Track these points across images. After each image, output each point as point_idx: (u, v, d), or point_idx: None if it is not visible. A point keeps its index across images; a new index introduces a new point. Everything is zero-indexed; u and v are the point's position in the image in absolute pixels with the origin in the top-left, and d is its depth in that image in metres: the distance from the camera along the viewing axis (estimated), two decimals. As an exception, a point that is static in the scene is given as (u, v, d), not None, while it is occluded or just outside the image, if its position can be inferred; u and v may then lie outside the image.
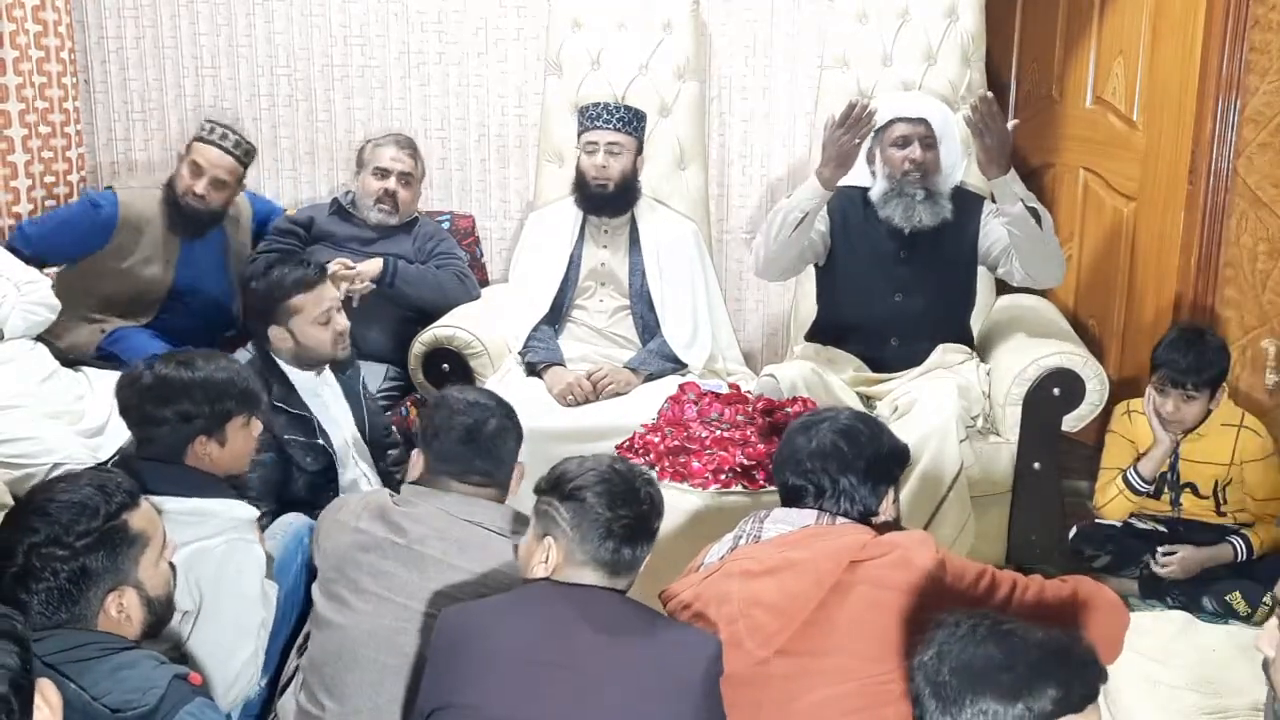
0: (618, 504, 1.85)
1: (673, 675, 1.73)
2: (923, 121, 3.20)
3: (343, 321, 2.84)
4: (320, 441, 2.74)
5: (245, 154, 3.60)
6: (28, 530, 1.75)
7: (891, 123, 3.20)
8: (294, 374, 2.78)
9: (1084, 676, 1.47)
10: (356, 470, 2.82)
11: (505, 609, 1.83)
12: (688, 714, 1.72)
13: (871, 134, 3.16)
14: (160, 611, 1.86)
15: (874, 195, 3.24)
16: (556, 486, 1.89)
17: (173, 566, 1.92)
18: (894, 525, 2.09)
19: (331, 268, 3.23)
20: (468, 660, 1.77)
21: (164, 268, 3.60)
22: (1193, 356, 2.94)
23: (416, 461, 2.26)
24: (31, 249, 3.43)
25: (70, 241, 3.53)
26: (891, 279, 3.24)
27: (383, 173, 3.66)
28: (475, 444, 2.19)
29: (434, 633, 1.86)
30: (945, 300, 3.30)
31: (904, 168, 3.17)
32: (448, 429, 2.19)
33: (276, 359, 2.78)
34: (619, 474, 1.90)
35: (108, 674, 1.68)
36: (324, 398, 2.84)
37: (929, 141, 3.20)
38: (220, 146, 3.53)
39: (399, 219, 3.69)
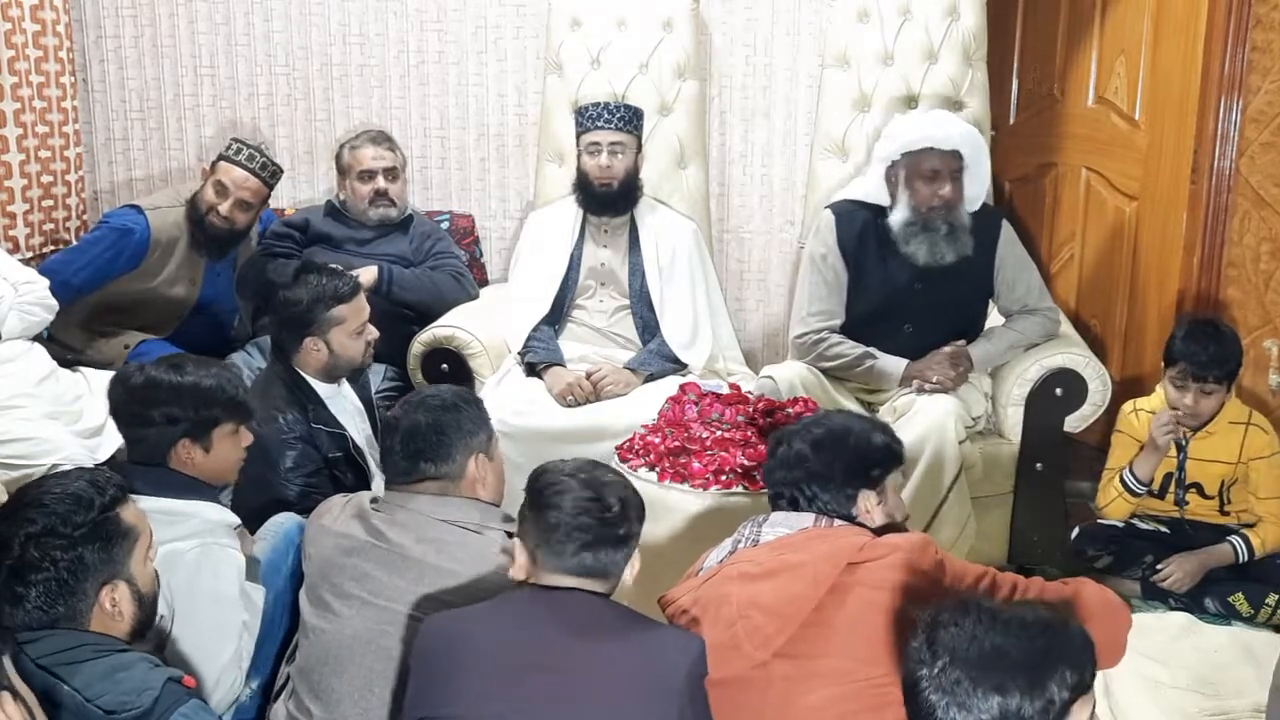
0: (580, 511, 1.83)
1: (655, 676, 1.72)
2: (956, 154, 3.07)
3: (374, 331, 2.85)
4: (354, 456, 2.72)
5: (271, 175, 3.57)
6: (24, 522, 1.75)
7: (924, 150, 3.07)
8: (320, 388, 2.77)
9: (1089, 655, 1.46)
10: (379, 478, 2.79)
11: (485, 616, 1.83)
12: (671, 715, 1.71)
13: (899, 153, 3.09)
14: (148, 609, 1.87)
15: (894, 224, 3.12)
16: (528, 491, 1.90)
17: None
18: (897, 526, 2.08)
19: None
20: (450, 670, 1.77)
21: (189, 288, 3.58)
22: (1214, 349, 2.89)
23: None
24: (77, 294, 3.38)
25: (106, 275, 3.46)
26: (903, 311, 3.16)
27: (368, 174, 3.65)
28: (407, 449, 2.14)
29: (416, 642, 1.86)
30: (955, 333, 3.17)
31: (931, 203, 3.05)
32: (386, 447, 2.17)
33: (303, 374, 2.75)
34: (587, 481, 1.87)
35: (102, 675, 1.68)
36: (346, 408, 2.83)
37: (958, 174, 3.07)
38: (246, 168, 3.50)
39: (399, 211, 3.69)
